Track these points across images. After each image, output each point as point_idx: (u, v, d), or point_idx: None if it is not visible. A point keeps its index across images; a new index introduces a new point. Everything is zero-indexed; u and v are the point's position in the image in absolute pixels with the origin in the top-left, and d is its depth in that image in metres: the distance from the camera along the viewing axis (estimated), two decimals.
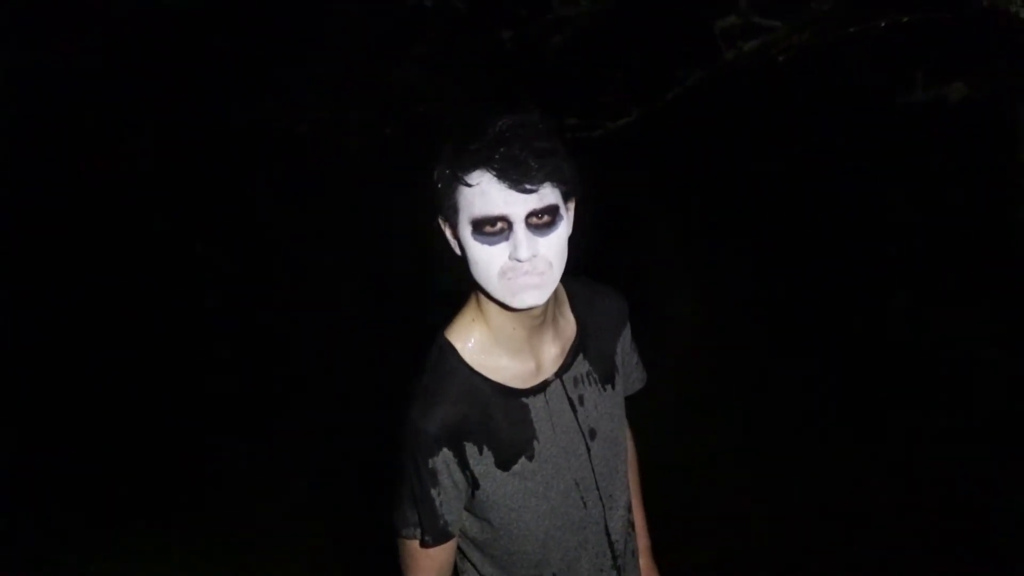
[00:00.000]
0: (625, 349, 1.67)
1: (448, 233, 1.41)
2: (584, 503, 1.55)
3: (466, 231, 1.34)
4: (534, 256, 1.32)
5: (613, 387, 1.61)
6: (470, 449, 1.45)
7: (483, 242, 1.33)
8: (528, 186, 1.29)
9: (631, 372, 1.72)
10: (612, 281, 1.68)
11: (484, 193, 1.30)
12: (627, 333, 1.67)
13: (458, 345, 1.48)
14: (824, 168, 5.95)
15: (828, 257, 5.72)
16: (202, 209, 6.38)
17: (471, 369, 1.47)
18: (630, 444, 1.84)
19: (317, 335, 5.79)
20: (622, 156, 5.51)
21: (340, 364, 5.33)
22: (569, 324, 1.57)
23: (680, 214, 6.52)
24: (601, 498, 1.58)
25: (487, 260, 1.34)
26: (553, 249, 1.34)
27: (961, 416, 3.90)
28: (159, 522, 4.22)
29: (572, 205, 1.41)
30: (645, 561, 1.85)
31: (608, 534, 1.60)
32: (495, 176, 1.29)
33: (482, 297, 1.45)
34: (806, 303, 5.36)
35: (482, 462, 1.46)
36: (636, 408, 1.73)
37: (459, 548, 1.59)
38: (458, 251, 1.41)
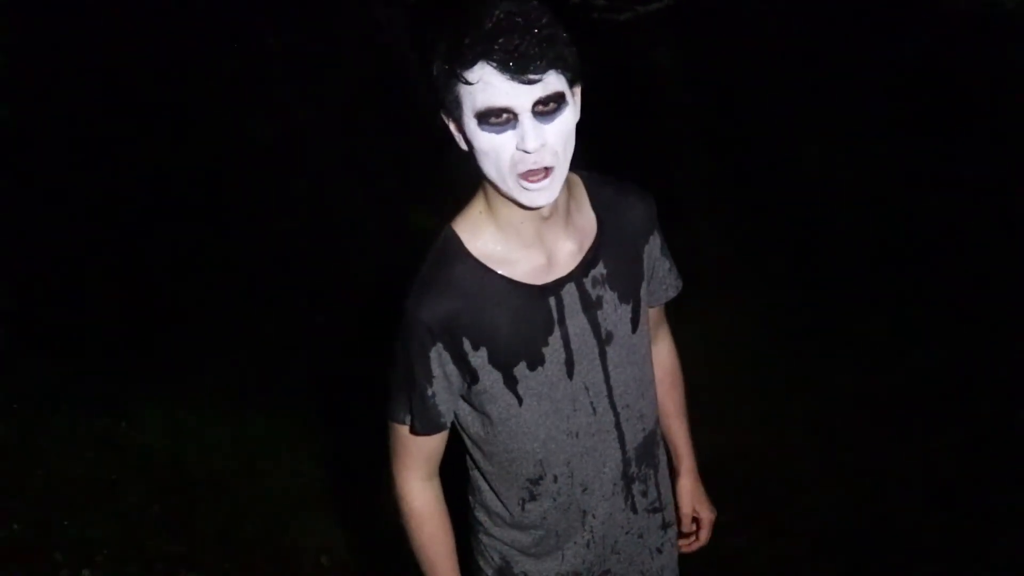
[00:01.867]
0: (654, 254, 1.59)
1: (452, 127, 1.36)
2: (594, 409, 1.50)
3: (471, 123, 1.30)
4: (542, 145, 1.28)
5: (637, 292, 1.54)
6: (467, 344, 1.40)
7: (489, 131, 1.28)
8: (532, 76, 1.24)
9: (663, 279, 1.64)
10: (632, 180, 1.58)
11: (487, 86, 1.25)
12: (656, 237, 1.59)
13: (464, 236, 1.42)
14: (860, 74, 5.69)
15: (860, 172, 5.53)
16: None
17: (476, 261, 1.41)
18: (672, 357, 1.78)
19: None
20: (649, 44, 5.27)
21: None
22: (588, 221, 1.50)
23: (705, 113, 6.27)
24: (614, 406, 1.52)
25: (494, 150, 1.29)
26: (561, 135, 1.30)
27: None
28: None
29: (578, 90, 1.35)
30: (689, 483, 1.78)
31: (622, 445, 1.55)
32: (496, 68, 1.24)
33: (490, 189, 1.39)
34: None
35: (478, 357, 1.42)
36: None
37: (464, 444, 1.57)
38: (463, 145, 1.36)
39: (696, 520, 1.80)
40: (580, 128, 1.35)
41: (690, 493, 1.78)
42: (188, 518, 3.44)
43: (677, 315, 1.74)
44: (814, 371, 4.05)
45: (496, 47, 1.22)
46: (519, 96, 1.25)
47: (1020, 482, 3.15)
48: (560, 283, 1.44)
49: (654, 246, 1.58)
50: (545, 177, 1.30)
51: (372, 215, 5.79)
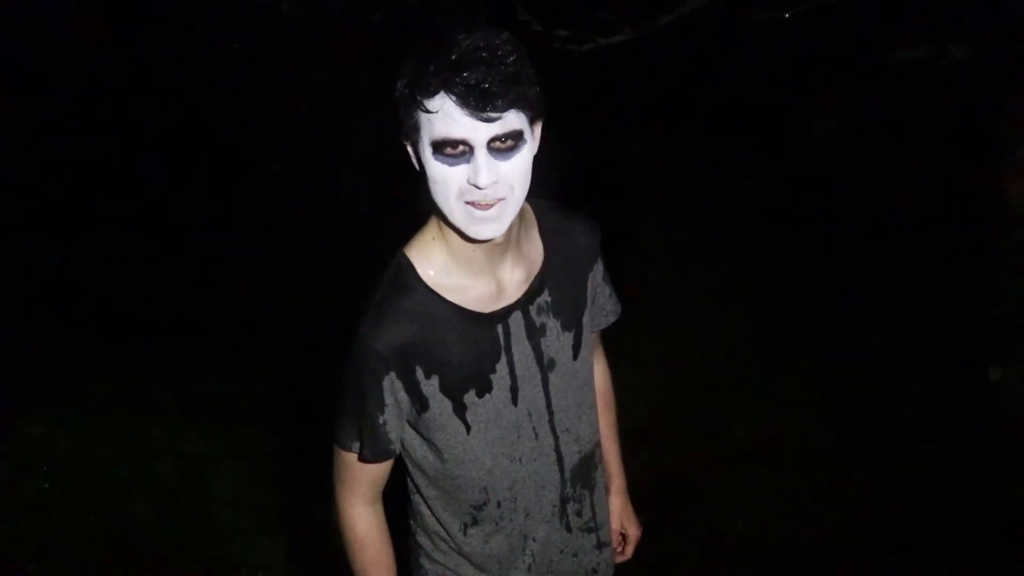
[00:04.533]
0: (596, 281, 1.62)
1: (409, 149, 1.36)
2: (536, 434, 1.53)
3: (427, 151, 1.30)
4: (495, 182, 1.28)
5: (579, 320, 1.57)
6: (420, 372, 1.42)
7: (443, 162, 1.28)
8: (491, 114, 1.24)
9: (603, 305, 1.68)
10: (587, 208, 1.61)
11: (446, 117, 1.25)
12: (599, 265, 1.62)
13: (417, 263, 1.43)
14: (813, 113, 5.86)
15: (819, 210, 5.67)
16: None
17: (428, 288, 1.42)
18: (605, 380, 1.81)
19: None
20: (609, 75, 5.35)
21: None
22: (536, 249, 1.52)
23: (661, 145, 6.39)
24: (554, 430, 1.55)
25: (445, 181, 1.30)
26: (516, 173, 1.30)
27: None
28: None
29: (539, 126, 1.36)
30: (619, 501, 1.83)
31: (560, 468, 1.57)
32: (456, 101, 1.23)
33: (442, 216, 1.41)
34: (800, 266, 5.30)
35: (429, 385, 1.43)
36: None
37: (406, 468, 1.57)
38: (418, 167, 1.36)
39: (623, 536, 1.86)
40: (543, 156, 1.35)
41: (620, 511, 1.84)
42: (124, 529, 3.38)
43: (624, 337, 1.77)
44: (757, 394, 4.14)
45: (458, 79, 1.21)
46: (476, 131, 1.24)
47: (960, 506, 3.23)
48: (507, 311, 1.46)
49: (597, 273, 1.61)
50: (494, 206, 1.30)
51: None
